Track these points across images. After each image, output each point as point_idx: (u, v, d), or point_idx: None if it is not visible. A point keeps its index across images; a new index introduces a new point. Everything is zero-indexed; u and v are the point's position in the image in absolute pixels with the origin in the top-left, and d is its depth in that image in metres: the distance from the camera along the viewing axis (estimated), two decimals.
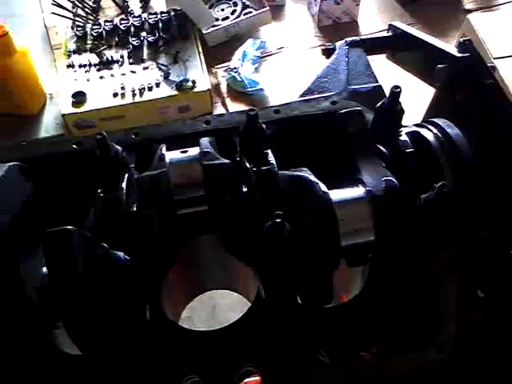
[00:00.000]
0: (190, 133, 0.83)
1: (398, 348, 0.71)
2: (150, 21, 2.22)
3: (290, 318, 0.73)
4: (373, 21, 2.32)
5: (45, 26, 2.39)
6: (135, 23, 2.21)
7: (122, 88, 2.06)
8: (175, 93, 2.06)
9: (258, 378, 0.82)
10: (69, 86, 2.07)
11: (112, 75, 2.11)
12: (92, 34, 2.21)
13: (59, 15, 2.30)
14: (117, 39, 2.20)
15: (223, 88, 2.19)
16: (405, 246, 0.67)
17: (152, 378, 0.76)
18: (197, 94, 2.07)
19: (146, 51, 2.17)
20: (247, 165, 0.70)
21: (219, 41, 2.26)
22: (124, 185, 0.69)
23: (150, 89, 2.07)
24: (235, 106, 2.13)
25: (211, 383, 0.77)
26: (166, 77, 2.10)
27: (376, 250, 0.67)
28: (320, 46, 2.26)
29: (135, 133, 0.83)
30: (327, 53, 0.92)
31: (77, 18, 2.28)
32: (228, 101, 2.16)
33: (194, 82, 2.07)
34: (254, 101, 2.13)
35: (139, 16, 2.24)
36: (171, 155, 0.74)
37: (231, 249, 0.76)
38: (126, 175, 0.71)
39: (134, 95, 2.06)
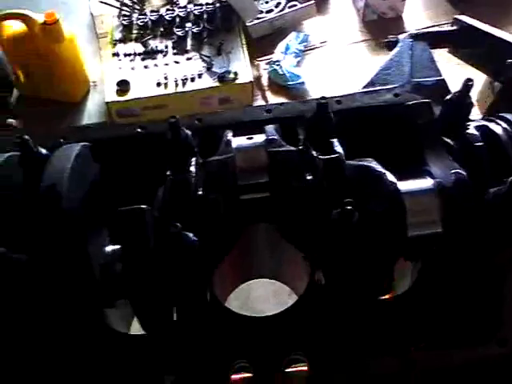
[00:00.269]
0: (251, 120, 0.84)
1: (457, 342, 0.71)
2: (195, 12, 2.23)
3: (346, 308, 0.73)
4: (418, 17, 2.29)
5: (91, 14, 2.44)
6: (180, 14, 2.23)
7: (166, 78, 2.08)
8: (217, 84, 2.07)
9: (305, 366, 0.82)
10: (113, 74, 2.10)
11: (156, 65, 2.14)
12: (138, 24, 2.24)
13: (106, 3, 2.34)
14: (162, 29, 2.23)
15: (264, 81, 2.19)
16: (472, 239, 0.66)
17: (201, 361, 0.77)
18: (239, 86, 2.08)
19: (189, 42, 2.19)
20: (314, 153, 0.71)
21: (262, 33, 2.26)
22: (193, 168, 0.70)
23: (193, 79, 2.09)
24: (276, 99, 2.13)
25: (259, 369, 0.78)
26: (209, 68, 2.11)
27: (443, 243, 0.67)
28: (363, 41, 2.25)
29: (198, 119, 0.84)
30: (390, 45, 0.91)
31: (123, 8, 2.31)
32: (269, 94, 2.16)
33: (236, 73, 2.08)
34: (295, 94, 2.13)
35: (185, 7, 2.26)
36: (237, 141, 0.75)
37: (290, 236, 0.77)
38: (194, 159, 0.72)
39: (176, 85, 2.08)
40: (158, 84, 2.07)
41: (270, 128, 0.76)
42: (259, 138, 0.75)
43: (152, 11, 2.27)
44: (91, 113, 2.15)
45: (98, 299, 0.71)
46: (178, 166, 0.70)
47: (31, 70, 2.10)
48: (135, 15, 2.27)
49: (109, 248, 0.73)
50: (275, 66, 2.13)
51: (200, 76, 2.09)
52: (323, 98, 0.70)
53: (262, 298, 1.76)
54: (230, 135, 0.75)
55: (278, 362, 0.77)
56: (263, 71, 2.19)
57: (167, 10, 2.26)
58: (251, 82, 2.07)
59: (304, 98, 2.12)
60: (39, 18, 1.96)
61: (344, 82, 2.09)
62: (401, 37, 0.93)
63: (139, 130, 0.84)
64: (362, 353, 0.72)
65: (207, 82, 2.08)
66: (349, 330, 0.74)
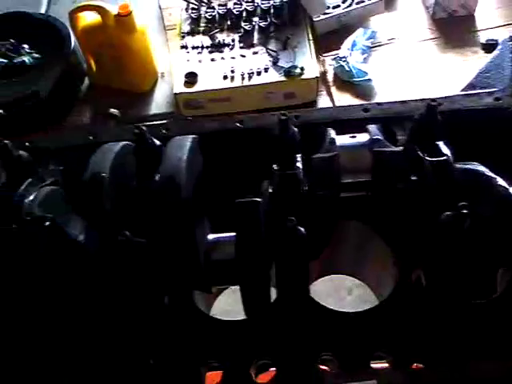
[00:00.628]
0: (348, 119, 0.86)
1: None
2: (262, 6, 2.25)
3: (445, 309, 0.74)
4: (491, 15, 2.22)
5: (159, 6, 2.49)
6: (248, 8, 2.26)
7: (232, 71, 2.11)
8: (283, 79, 2.08)
9: (386, 364, 0.83)
10: (182, 66, 2.14)
11: (222, 58, 2.17)
12: (206, 17, 2.27)
13: None
14: (229, 23, 2.25)
15: (329, 77, 2.19)
16: None
17: (288, 352, 0.79)
18: (304, 81, 2.08)
19: (256, 36, 2.21)
20: (420, 154, 0.71)
21: (329, 29, 2.26)
22: (299, 164, 0.72)
23: (259, 73, 2.10)
24: (340, 96, 2.13)
25: (344, 362, 0.79)
26: (275, 62, 2.12)
27: None
28: (432, 39, 2.20)
29: (296, 116, 0.86)
30: (488, 47, 0.90)
31: (191, 1, 2.35)
32: (333, 90, 2.15)
33: (302, 68, 2.08)
34: (361, 91, 2.12)
35: (252, 1, 2.27)
36: (341, 140, 0.76)
37: (388, 236, 0.78)
38: (299, 155, 0.74)
39: (242, 79, 2.10)
40: (225, 77, 2.10)
41: (373, 127, 0.77)
42: (363, 138, 0.76)
43: (220, 5, 2.30)
44: (159, 103, 2.20)
45: (201, 284, 0.75)
46: (285, 161, 0.72)
47: (103, 60, 2.17)
48: (203, 8, 2.31)
49: (210, 236, 0.77)
50: (341, 62, 2.12)
51: (266, 70, 2.11)
52: (433, 100, 0.70)
53: (323, 293, 1.77)
54: (333, 133, 0.77)
55: (364, 356, 0.79)
56: (329, 67, 2.19)
57: (235, 3, 2.28)
58: (317, 77, 2.07)
59: (370, 95, 2.11)
60: (113, 9, 2.03)
61: (412, 80, 2.06)
62: (501, 39, 0.91)
63: (238, 124, 0.86)
64: (459, 354, 0.72)
65: (273, 76, 2.09)
66: (445, 331, 0.74)
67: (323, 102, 2.13)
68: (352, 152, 0.75)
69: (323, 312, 0.83)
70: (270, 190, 0.72)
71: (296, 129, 0.74)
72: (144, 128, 0.72)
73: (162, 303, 0.72)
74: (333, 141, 0.75)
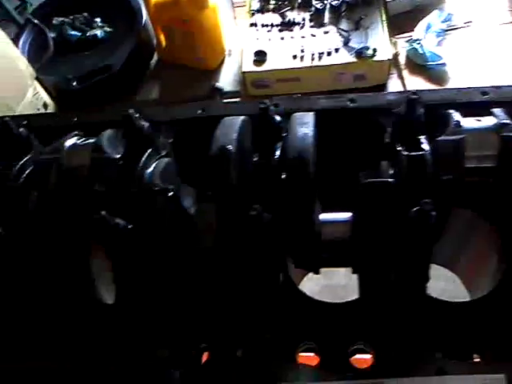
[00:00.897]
0: (466, 102, 0.83)
1: None
2: None
3: None
4: None
5: None
6: None
7: (302, 51, 2.08)
8: (354, 60, 2.04)
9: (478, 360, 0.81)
10: (251, 44, 2.13)
11: (292, 37, 2.14)
12: None
13: None
14: (300, 1, 2.22)
15: (401, 59, 2.13)
16: None
17: (389, 339, 0.78)
18: (376, 63, 2.03)
19: (327, 15, 2.17)
20: None
21: (402, 10, 2.19)
22: (426, 146, 0.70)
23: (329, 54, 2.07)
24: (412, 79, 2.07)
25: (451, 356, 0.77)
26: (346, 43, 2.08)
27: None
28: None
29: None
30: None
31: None
32: (405, 73, 2.10)
33: (374, 50, 2.03)
34: (434, 76, 2.05)
35: None
36: (467, 123, 0.73)
37: (503, 228, 0.76)
38: (424, 137, 0.72)
39: (312, 59, 2.07)
40: (294, 56, 2.07)
41: (499, 111, 0.74)
42: (489, 121, 0.73)
43: None
44: (225, 81, 2.20)
45: (312, 264, 0.74)
46: (410, 143, 0.70)
47: (173, 36, 2.18)
48: None
49: (321, 216, 0.76)
50: (415, 45, 2.06)
51: (337, 50, 2.07)
52: None
53: None
54: (458, 116, 0.74)
55: (468, 351, 0.77)
56: (401, 49, 2.13)
57: None
58: (390, 59, 2.02)
59: (443, 80, 2.04)
60: None
61: (489, 66, 1.98)
62: None
63: (349, 102, 0.85)
64: None
65: (344, 57, 2.05)
66: None
67: (393, 85, 2.08)
68: (479, 136, 0.72)
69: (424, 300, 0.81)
70: (391, 172, 0.70)
71: (422, 110, 0.72)
72: (268, 102, 0.71)
73: (279, 280, 0.72)
74: (458, 123, 0.72)
